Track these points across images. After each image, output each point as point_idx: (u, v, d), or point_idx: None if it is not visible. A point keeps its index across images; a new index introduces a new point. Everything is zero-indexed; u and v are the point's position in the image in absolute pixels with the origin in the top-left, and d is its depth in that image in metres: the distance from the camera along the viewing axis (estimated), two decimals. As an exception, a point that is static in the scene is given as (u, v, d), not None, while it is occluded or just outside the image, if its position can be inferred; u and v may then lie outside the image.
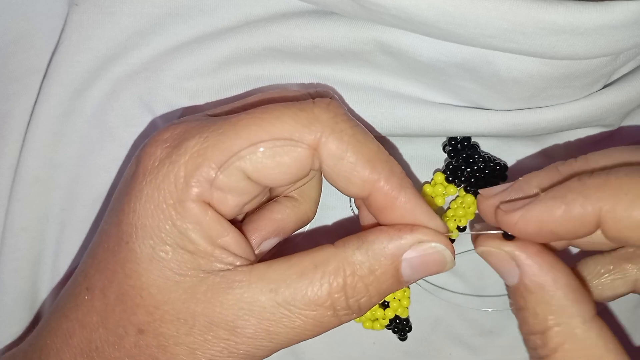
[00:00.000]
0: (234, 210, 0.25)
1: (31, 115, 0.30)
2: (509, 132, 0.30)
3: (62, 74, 0.30)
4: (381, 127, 0.30)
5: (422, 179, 0.33)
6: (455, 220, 0.32)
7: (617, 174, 0.23)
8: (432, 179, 0.32)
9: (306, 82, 0.30)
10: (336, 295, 0.24)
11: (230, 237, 0.24)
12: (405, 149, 0.32)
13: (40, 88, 0.30)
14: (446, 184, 0.32)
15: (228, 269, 0.24)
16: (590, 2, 0.24)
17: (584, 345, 0.23)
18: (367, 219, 0.28)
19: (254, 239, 0.28)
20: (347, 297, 0.24)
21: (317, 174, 0.29)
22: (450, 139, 0.32)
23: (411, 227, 0.25)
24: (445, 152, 0.32)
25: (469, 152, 0.31)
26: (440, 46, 0.27)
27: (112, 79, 0.30)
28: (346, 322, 0.25)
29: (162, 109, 0.31)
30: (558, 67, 0.26)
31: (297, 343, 0.25)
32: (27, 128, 0.30)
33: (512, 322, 0.34)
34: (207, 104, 0.31)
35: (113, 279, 0.25)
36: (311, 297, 0.24)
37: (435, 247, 0.25)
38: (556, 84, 0.27)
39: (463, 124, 0.29)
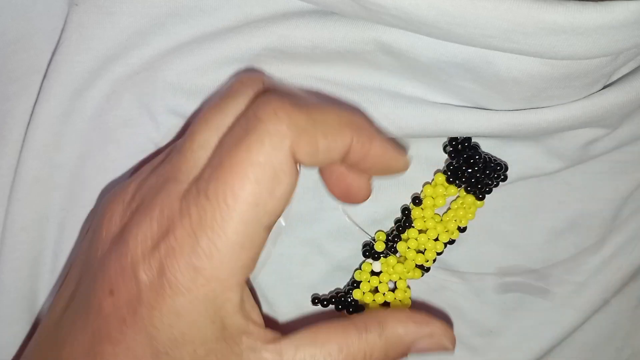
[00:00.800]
0: (255, 264, 0.25)
1: (31, 115, 0.30)
2: (509, 133, 0.30)
3: (62, 74, 0.30)
4: (381, 128, 0.30)
5: (422, 179, 0.33)
6: (455, 220, 0.32)
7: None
8: (433, 180, 0.32)
9: (306, 82, 0.30)
10: None
11: (246, 317, 0.25)
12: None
13: (40, 88, 0.30)
14: (447, 184, 0.32)
15: (257, 349, 0.24)
16: (591, 2, 0.24)
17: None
18: (331, 182, 0.28)
19: (357, 181, 0.28)
20: None
21: None
22: (451, 139, 0.32)
23: (427, 320, 0.27)
24: (445, 152, 0.32)
25: (469, 153, 0.31)
26: (440, 46, 0.27)
27: (112, 79, 0.30)
28: None
29: (162, 109, 0.31)
30: (558, 67, 0.26)
31: None
32: (27, 128, 0.30)
33: (513, 322, 0.34)
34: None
35: None
36: None
37: (443, 343, 0.27)
38: (556, 84, 0.27)
39: (464, 124, 0.29)
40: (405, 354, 0.27)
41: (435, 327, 0.27)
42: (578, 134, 0.32)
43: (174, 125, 0.31)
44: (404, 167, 0.27)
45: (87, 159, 0.31)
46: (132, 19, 0.29)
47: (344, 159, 0.25)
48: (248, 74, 0.26)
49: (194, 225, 0.23)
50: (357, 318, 0.27)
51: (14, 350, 0.32)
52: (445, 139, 0.32)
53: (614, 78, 0.30)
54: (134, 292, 0.24)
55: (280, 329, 0.30)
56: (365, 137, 0.25)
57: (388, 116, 0.30)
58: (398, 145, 0.27)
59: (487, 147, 0.32)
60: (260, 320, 0.25)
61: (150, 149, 0.31)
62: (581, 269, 0.34)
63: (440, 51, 0.27)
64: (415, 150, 0.32)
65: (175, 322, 0.23)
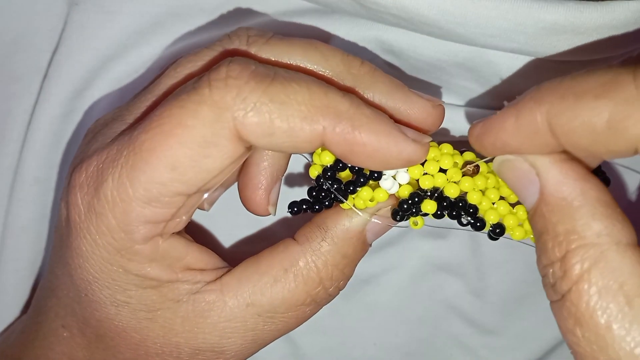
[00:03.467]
0: (185, 221, 0.23)
1: (31, 115, 0.30)
2: None
3: (63, 74, 0.30)
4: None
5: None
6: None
7: (576, 74, 0.19)
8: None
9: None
10: (314, 291, 0.24)
11: (190, 256, 0.24)
12: None
13: (40, 88, 0.30)
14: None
15: (197, 291, 0.24)
16: (591, 2, 0.24)
17: (616, 274, 0.18)
18: (241, 182, 0.26)
19: (260, 196, 0.25)
20: (325, 288, 0.24)
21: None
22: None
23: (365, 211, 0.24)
24: None
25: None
26: (441, 45, 0.27)
27: (112, 78, 0.30)
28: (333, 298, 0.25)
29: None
30: (559, 67, 0.26)
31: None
32: (27, 128, 0.30)
33: (513, 323, 0.34)
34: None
35: (87, 323, 0.24)
36: (290, 301, 0.24)
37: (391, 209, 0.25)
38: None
39: (464, 124, 0.29)
40: (364, 243, 0.25)
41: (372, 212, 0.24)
42: None
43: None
44: (415, 157, 0.22)
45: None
46: (132, 18, 0.29)
47: (327, 148, 0.22)
48: (241, 28, 0.24)
49: (107, 168, 0.22)
50: (299, 232, 0.25)
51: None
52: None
53: None
54: (61, 224, 0.24)
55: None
56: (346, 125, 0.21)
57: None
58: (408, 131, 0.22)
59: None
60: (198, 263, 0.24)
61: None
62: None
63: (441, 50, 0.27)
64: None
65: (83, 264, 0.23)
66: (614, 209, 0.19)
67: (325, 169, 0.24)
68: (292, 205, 0.25)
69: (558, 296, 0.19)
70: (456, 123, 0.29)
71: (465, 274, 0.34)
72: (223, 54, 0.23)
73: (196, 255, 0.24)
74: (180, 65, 0.24)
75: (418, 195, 0.23)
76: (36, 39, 0.31)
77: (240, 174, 0.26)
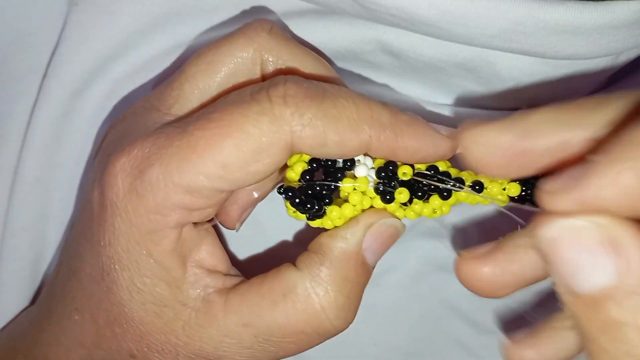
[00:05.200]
0: (211, 214, 0.24)
1: (31, 115, 0.30)
2: None
3: (62, 74, 0.30)
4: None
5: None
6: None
7: None
8: None
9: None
10: (315, 321, 0.24)
11: (204, 248, 0.25)
12: None
13: (40, 88, 0.30)
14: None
15: (203, 298, 0.24)
16: (591, 2, 0.24)
17: None
18: None
19: (234, 211, 0.27)
20: (329, 319, 0.24)
21: None
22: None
23: (355, 219, 0.25)
24: None
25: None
26: (441, 46, 0.27)
27: (112, 78, 0.30)
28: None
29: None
30: (559, 67, 0.26)
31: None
32: (27, 128, 0.30)
33: (513, 322, 0.34)
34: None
35: (100, 307, 0.25)
36: (287, 327, 0.24)
37: (384, 223, 0.25)
38: (557, 84, 0.27)
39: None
40: (363, 264, 0.25)
41: (367, 217, 0.25)
42: None
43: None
44: (449, 151, 0.24)
45: (87, 159, 0.31)
46: (132, 18, 0.29)
47: (371, 153, 0.24)
48: (257, 20, 0.25)
49: (155, 154, 0.23)
50: (298, 258, 0.25)
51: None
52: None
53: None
54: (90, 206, 0.25)
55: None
56: (390, 133, 0.23)
57: None
58: (441, 129, 0.24)
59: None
60: (210, 259, 0.25)
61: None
62: None
63: (440, 51, 0.27)
64: None
65: (114, 241, 0.24)
66: None
67: (305, 172, 0.24)
68: (287, 190, 0.24)
69: None
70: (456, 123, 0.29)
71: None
72: (244, 42, 0.25)
73: (210, 249, 0.25)
74: (202, 55, 0.25)
75: (393, 163, 0.24)
76: (36, 39, 0.31)
77: None
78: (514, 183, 0.24)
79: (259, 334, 0.24)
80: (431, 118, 0.25)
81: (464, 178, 0.24)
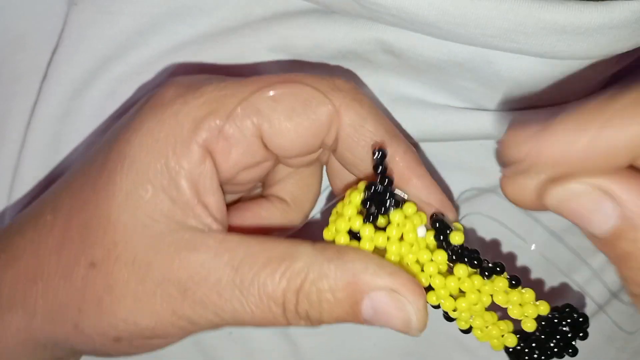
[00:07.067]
0: (232, 169, 0.24)
1: (31, 115, 0.30)
2: None
3: (62, 73, 0.30)
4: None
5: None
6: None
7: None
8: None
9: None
10: (288, 296, 0.23)
11: (215, 198, 0.24)
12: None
13: (40, 88, 0.30)
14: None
15: (201, 230, 0.23)
16: (591, 2, 0.24)
17: None
18: (337, 180, 0.27)
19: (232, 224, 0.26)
20: (297, 302, 0.23)
21: (315, 179, 0.28)
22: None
23: (395, 270, 0.23)
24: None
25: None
26: (441, 45, 0.27)
27: (112, 79, 0.30)
28: (296, 326, 0.24)
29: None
30: (559, 67, 0.26)
31: (243, 326, 0.24)
32: (27, 128, 0.30)
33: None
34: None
35: (83, 207, 0.24)
36: (267, 288, 0.23)
37: (404, 306, 0.23)
38: (557, 84, 0.27)
39: (464, 125, 0.29)
40: (356, 304, 0.23)
41: (402, 284, 0.22)
42: None
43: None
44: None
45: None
46: (131, 18, 0.29)
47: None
48: (345, 80, 0.25)
49: (209, 82, 0.24)
50: (326, 244, 0.23)
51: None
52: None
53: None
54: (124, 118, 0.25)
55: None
56: (410, 163, 0.25)
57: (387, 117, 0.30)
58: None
59: (489, 148, 0.32)
60: (216, 211, 0.24)
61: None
62: (581, 269, 0.34)
63: (440, 51, 0.27)
64: None
65: (134, 139, 0.23)
66: None
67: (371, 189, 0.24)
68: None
69: None
70: (456, 125, 0.29)
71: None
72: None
73: (219, 203, 0.24)
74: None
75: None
76: (36, 39, 0.31)
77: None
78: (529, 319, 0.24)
79: (239, 283, 0.23)
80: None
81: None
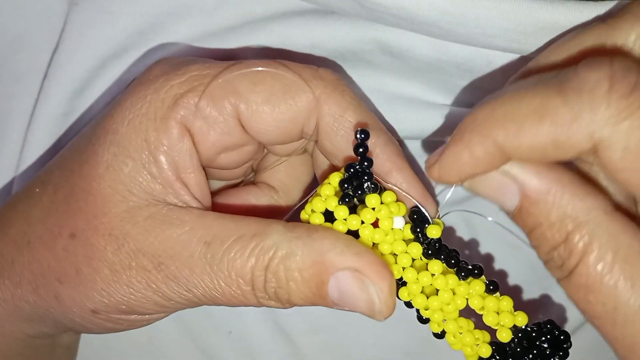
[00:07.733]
0: (211, 149, 0.24)
1: (31, 115, 0.30)
2: None
3: (63, 73, 0.30)
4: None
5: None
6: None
7: (505, 96, 0.20)
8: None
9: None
10: (257, 273, 0.22)
11: (194, 175, 0.24)
12: (405, 151, 0.32)
13: (40, 88, 0.30)
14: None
15: (179, 207, 0.24)
16: (591, 2, 0.24)
17: (614, 238, 0.20)
18: (321, 170, 0.27)
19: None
20: (266, 281, 0.23)
21: (306, 169, 0.28)
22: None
23: (362, 250, 0.22)
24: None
25: None
26: (440, 45, 0.27)
27: (112, 78, 0.30)
28: (267, 306, 0.24)
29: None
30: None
31: (215, 305, 0.24)
32: (27, 128, 0.30)
33: (513, 322, 0.34)
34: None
35: (68, 178, 0.24)
36: (235, 264, 0.22)
37: (367, 287, 0.22)
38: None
39: None
40: (322, 284, 0.22)
41: (368, 264, 0.22)
42: None
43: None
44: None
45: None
46: (131, 18, 0.29)
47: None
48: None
49: (198, 63, 0.24)
50: (296, 223, 0.23)
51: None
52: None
53: None
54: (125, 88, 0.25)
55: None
56: (391, 155, 0.25)
57: (386, 117, 0.30)
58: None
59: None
60: (196, 189, 0.24)
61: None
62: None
63: (440, 50, 0.27)
64: (415, 150, 0.32)
65: (115, 126, 0.24)
66: (586, 184, 0.21)
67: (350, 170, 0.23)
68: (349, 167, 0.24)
69: (566, 273, 0.21)
70: (455, 124, 0.29)
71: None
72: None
73: (199, 180, 0.24)
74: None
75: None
76: (36, 39, 0.31)
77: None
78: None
79: (210, 258, 0.23)
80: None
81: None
